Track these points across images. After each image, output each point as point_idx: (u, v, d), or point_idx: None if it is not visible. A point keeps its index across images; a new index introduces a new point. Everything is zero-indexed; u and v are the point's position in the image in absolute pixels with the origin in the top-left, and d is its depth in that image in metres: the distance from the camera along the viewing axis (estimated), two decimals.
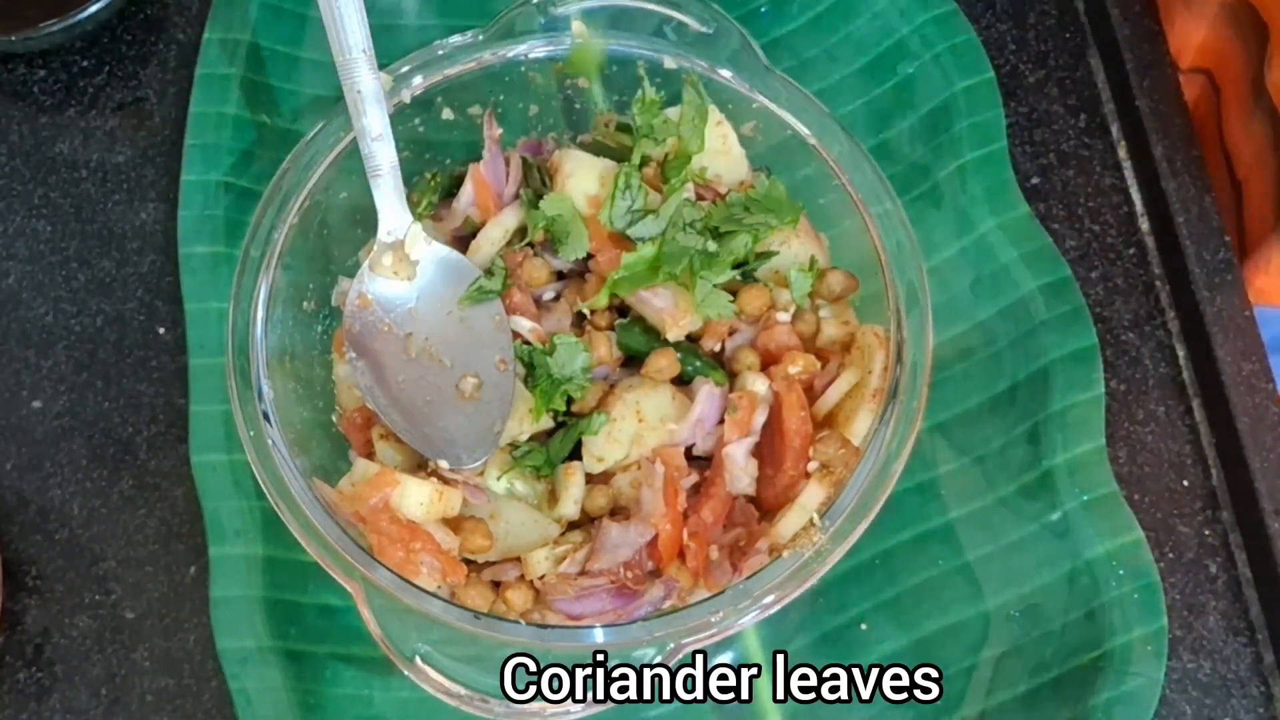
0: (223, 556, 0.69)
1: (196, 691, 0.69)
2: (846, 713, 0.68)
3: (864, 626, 0.69)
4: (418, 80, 0.70)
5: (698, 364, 0.66)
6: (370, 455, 0.66)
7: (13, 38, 0.78)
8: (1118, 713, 0.67)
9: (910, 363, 0.63)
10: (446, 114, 0.72)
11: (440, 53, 0.70)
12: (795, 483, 0.63)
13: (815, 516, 0.61)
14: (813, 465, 0.63)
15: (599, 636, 0.59)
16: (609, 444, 0.65)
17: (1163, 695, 0.68)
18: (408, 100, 0.70)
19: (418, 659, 0.59)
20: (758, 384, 0.65)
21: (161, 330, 0.76)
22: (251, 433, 0.62)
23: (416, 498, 0.62)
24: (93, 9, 0.78)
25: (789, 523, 0.62)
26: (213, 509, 0.70)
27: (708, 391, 0.65)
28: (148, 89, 0.82)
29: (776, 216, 0.68)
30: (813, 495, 0.62)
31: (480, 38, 0.70)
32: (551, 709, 0.58)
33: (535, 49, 0.71)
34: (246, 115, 0.79)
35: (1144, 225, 0.79)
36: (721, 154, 0.71)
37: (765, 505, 0.65)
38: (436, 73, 0.70)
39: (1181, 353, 0.76)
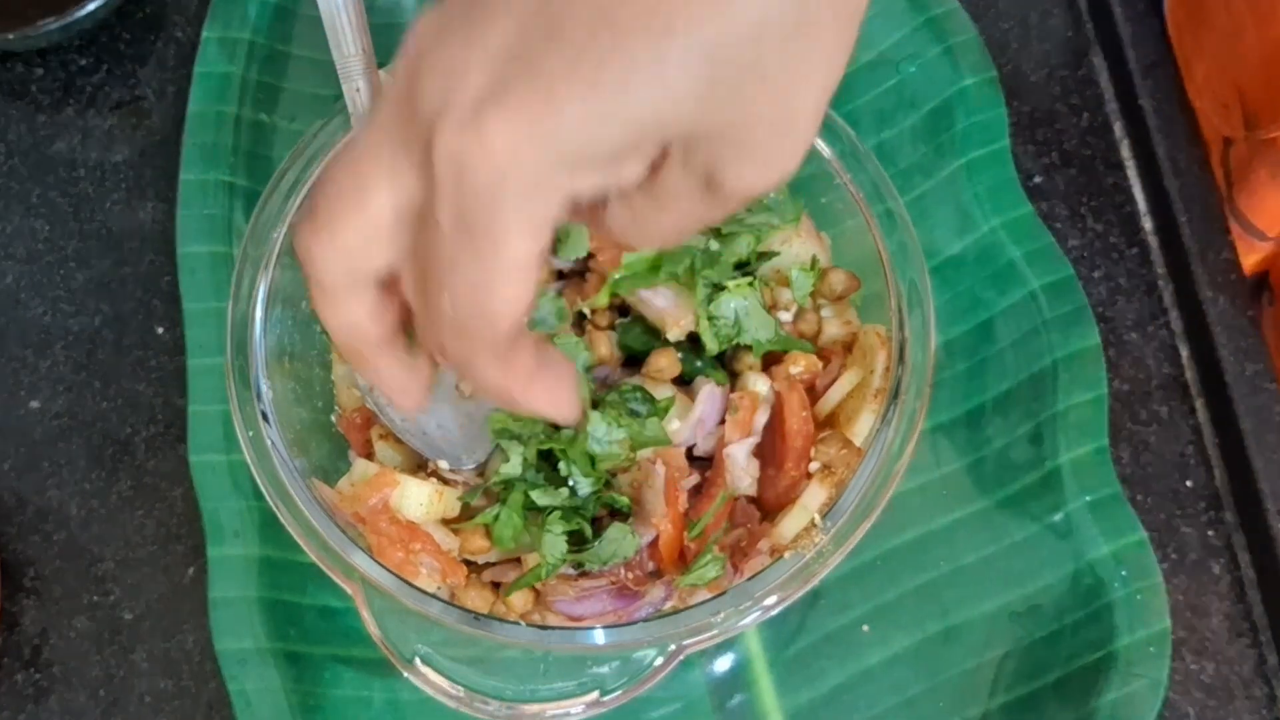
0: (221, 557, 0.69)
1: (195, 693, 0.69)
2: (850, 714, 0.68)
3: (866, 628, 0.69)
4: None
5: (699, 364, 0.66)
6: (370, 455, 0.66)
7: (10, 36, 0.77)
8: (1121, 714, 0.67)
9: (912, 363, 0.63)
10: None
11: None
12: (797, 483, 0.63)
13: (817, 517, 0.61)
14: (814, 466, 0.63)
15: (599, 638, 0.59)
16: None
17: (1166, 697, 0.68)
18: None
19: (417, 660, 0.58)
20: (759, 384, 0.65)
21: (160, 330, 0.76)
22: (250, 433, 0.62)
23: (416, 498, 0.62)
24: (91, 7, 0.78)
25: (790, 524, 0.62)
26: (211, 509, 0.70)
27: (709, 391, 0.65)
28: (146, 88, 0.82)
29: (778, 215, 0.68)
30: (814, 496, 0.62)
31: None
32: (551, 709, 0.58)
33: None
34: (246, 115, 0.79)
35: (1147, 225, 0.78)
36: None
37: (767, 506, 0.65)
38: None
39: (1185, 353, 0.76)
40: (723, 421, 0.65)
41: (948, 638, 0.69)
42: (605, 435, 0.62)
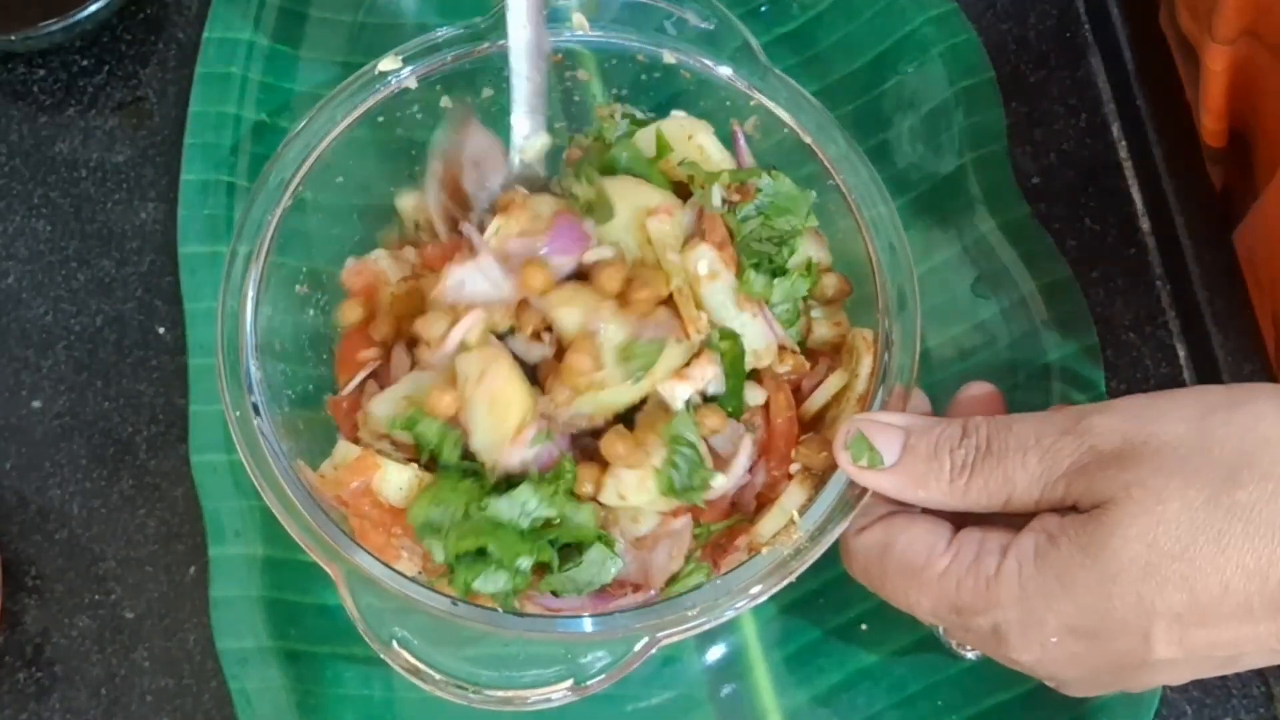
0: (222, 556, 0.69)
1: (196, 692, 0.69)
2: (849, 713, 0.68)
3: (864, 627, 0.69)
4: (415, 68, 0.69)
5: None
6: (357, 440, 0.66)
7: (12, 37, 0.78)
8: (1118, 712, 0.67)
9: (897, 367, 0.63)
10: (445, 102, 0.71)
11: (438, 41, 0.70)
12: (777, 484, 0.63)
13: (795, 515, 0.61)
14: (795, 468, 0.63)
15: (576, 627, 0.59)
16: (639, 489, 0.62)
17: (1163, 695, 0.68)
18: (413, 86, 0.70)
19: (394, 643, 0.58)
20: (754, 395, 0.64)
21: (161, 330, 0.76)
22: (237, 413, 0.62)
23: (396, 482, 0.62)
24: (93, 8, 0.78)
25: (769, 524, 0.62)
26: (212, 509, 0.70)
27: (748, 444, 0.63)
28: (147, 88, 0.82)
29: (794, 215, 0.67)
30: (793, 498, 0.62)
31: (480, 26, 0.70)
32: (526, 695, 0.58)
33: None
34: (246, 114, 0.79)
35: (1144, 225, 0.79)
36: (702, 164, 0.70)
37: (745, 505, 0.65)
38: (435, 61, 0.69)
39: (1182, 353, 0.76)
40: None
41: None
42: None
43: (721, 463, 0.63)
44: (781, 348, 0.66)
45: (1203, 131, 0.73)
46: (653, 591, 0.62)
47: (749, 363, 0.64)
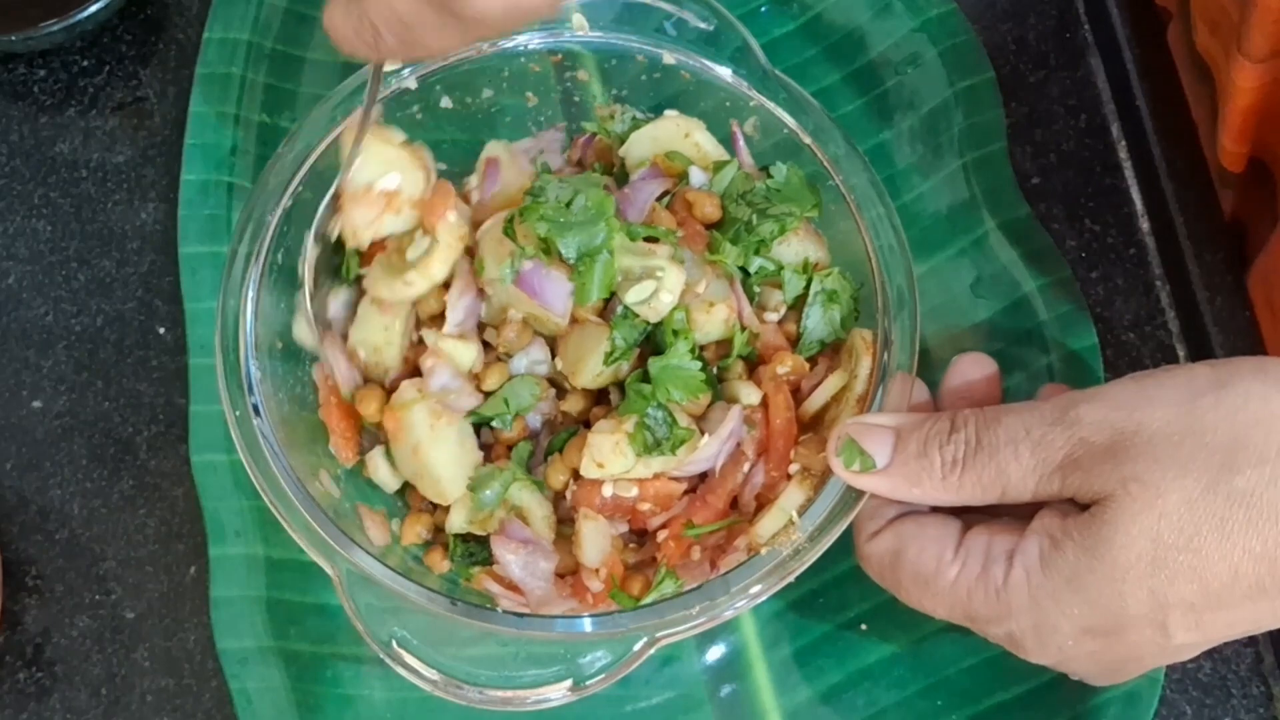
0: (223, 556, 0.69)
1: (196, 691, 0.69)
2: (848, 713, 0.68)
3: (864, 627, 0.69)
4: (415, 68, 0.70)
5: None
6: (356, 450, 0.67)
7: (13, 37, 0.78)
8: (1118, 713, 0.67)
9: (897, 367, 0.63)
10: (445, 103, 0.71)
11: None
12: (776, 484, 0.64)
13: (794, 515, 0.62)
14: (794, 468, 0.63)
15: (574, 627, 0.59)
16: (615, 454, 0.63)
17: (1163, 695, 0.68)
18: (413, 86, 0.70)
19: (394, 643, 0.59)
20: (750, 394, 0.65)
21: (161, 330, 0.76)
22: (237, 413, 0.62)
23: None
24: (93, 9, 0.78)
25: (768, 524, 0.62)
26: (213, 509, 0.70)
27: (735, 411, 0.64)
28: (148, 89, 0.82)
29: (799, 206, 0.67)
30: (792, 499, 0.63)
31: None
32: (525, 695, 0.58)
33: (533, 40, 0.71)
34: (247, 115, 0.79)
35: (1144, 225, 0.79)
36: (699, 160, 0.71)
37: (745, 505, 0.65)
38: (435, 62, 0.69)
39: (1182, 353, 0.76)
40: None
41: (945, 636, 0.69)
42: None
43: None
44: (778, 348, 0.66)
45: (1221, 154, 0.72)
46: None
47: (711, 334, 0.65)
